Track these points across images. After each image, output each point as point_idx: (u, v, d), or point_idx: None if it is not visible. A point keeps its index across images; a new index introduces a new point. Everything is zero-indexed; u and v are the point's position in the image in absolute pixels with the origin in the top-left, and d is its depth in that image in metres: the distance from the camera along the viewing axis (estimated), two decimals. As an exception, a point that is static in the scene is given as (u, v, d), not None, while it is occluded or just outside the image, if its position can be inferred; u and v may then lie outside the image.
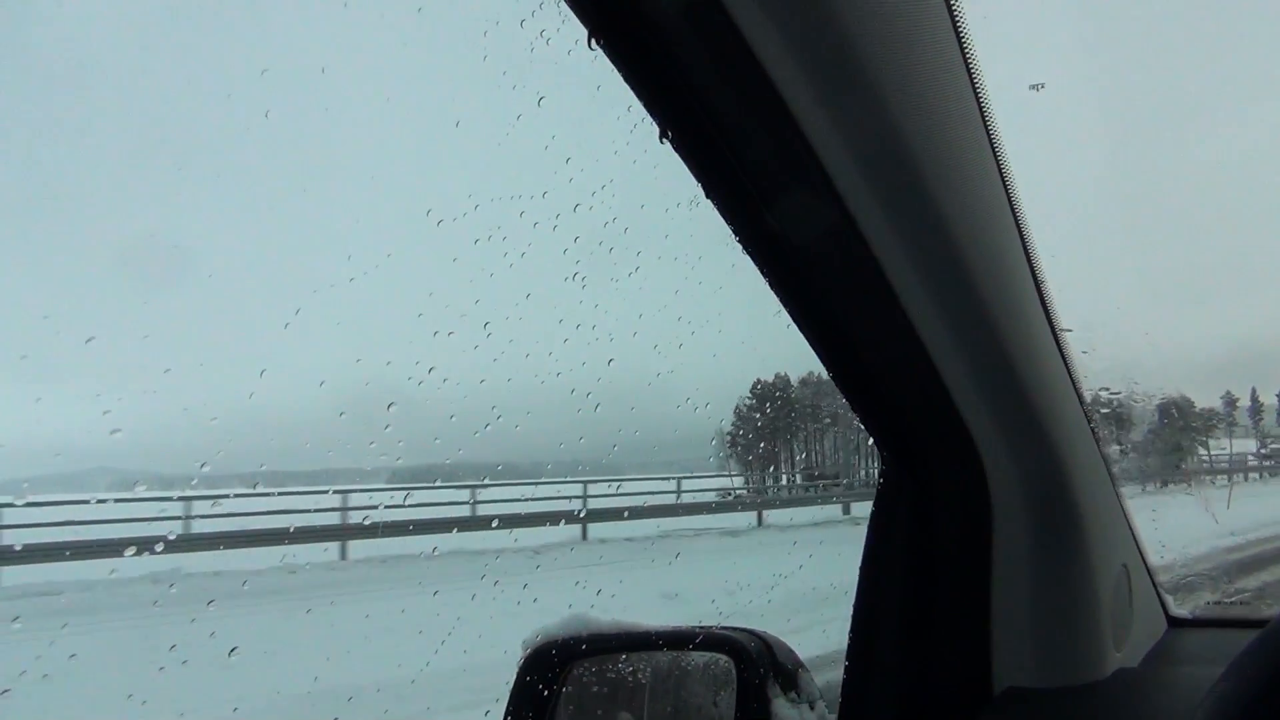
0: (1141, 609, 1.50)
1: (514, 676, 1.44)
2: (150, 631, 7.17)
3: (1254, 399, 74.28)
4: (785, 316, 1.07)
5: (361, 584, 11.50)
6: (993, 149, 1.00)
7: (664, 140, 0.92)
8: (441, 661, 5.95)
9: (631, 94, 0.87)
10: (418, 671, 5.90)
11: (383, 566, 12.67)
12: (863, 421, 1.26)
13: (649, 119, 0.90)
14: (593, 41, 0.81)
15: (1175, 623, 1.64)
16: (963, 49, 0.91)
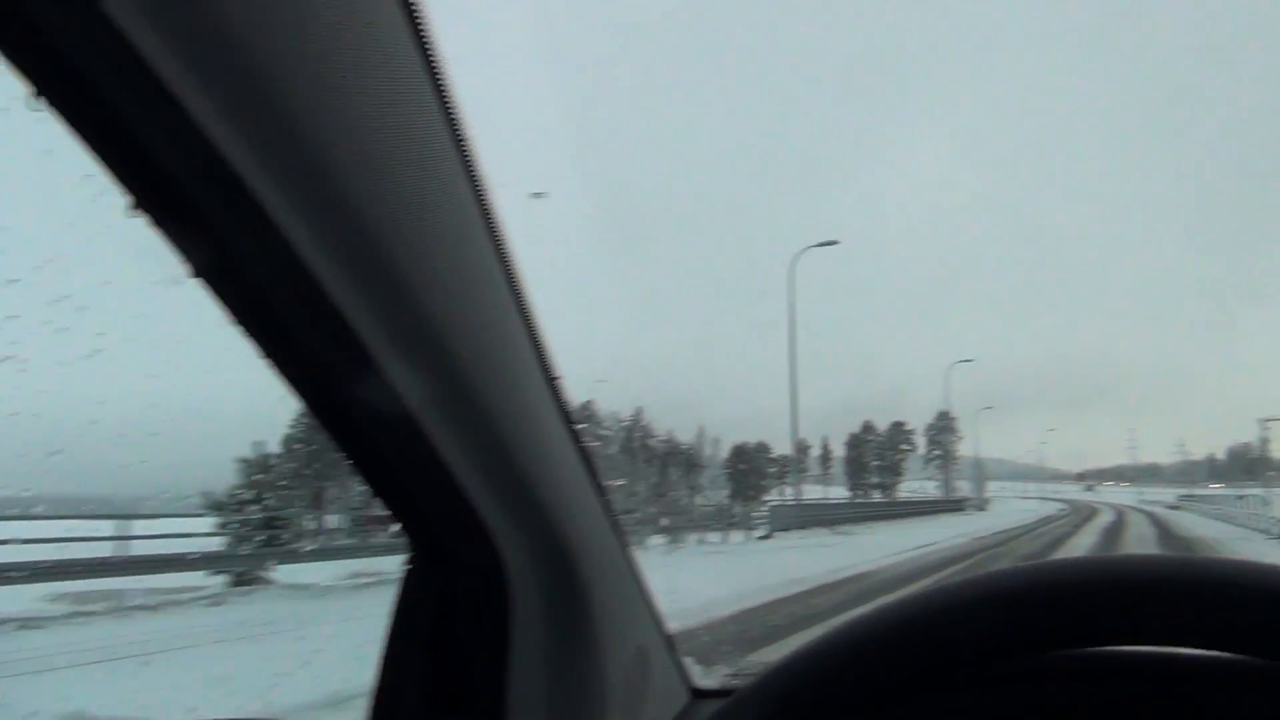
0: (660, 688, 1.54)
1: None
2: None
3: (824, 448, 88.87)
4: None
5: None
6: (495, 245, 1.03)
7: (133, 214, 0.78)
8: None
9: (95, 160, 0.73)
10: None
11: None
12: (386, 507, 1.20)
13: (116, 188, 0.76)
14: (37, 100, 0.66)
15: (699, 694, 1.66)
16: (462, 154, 0.93)
